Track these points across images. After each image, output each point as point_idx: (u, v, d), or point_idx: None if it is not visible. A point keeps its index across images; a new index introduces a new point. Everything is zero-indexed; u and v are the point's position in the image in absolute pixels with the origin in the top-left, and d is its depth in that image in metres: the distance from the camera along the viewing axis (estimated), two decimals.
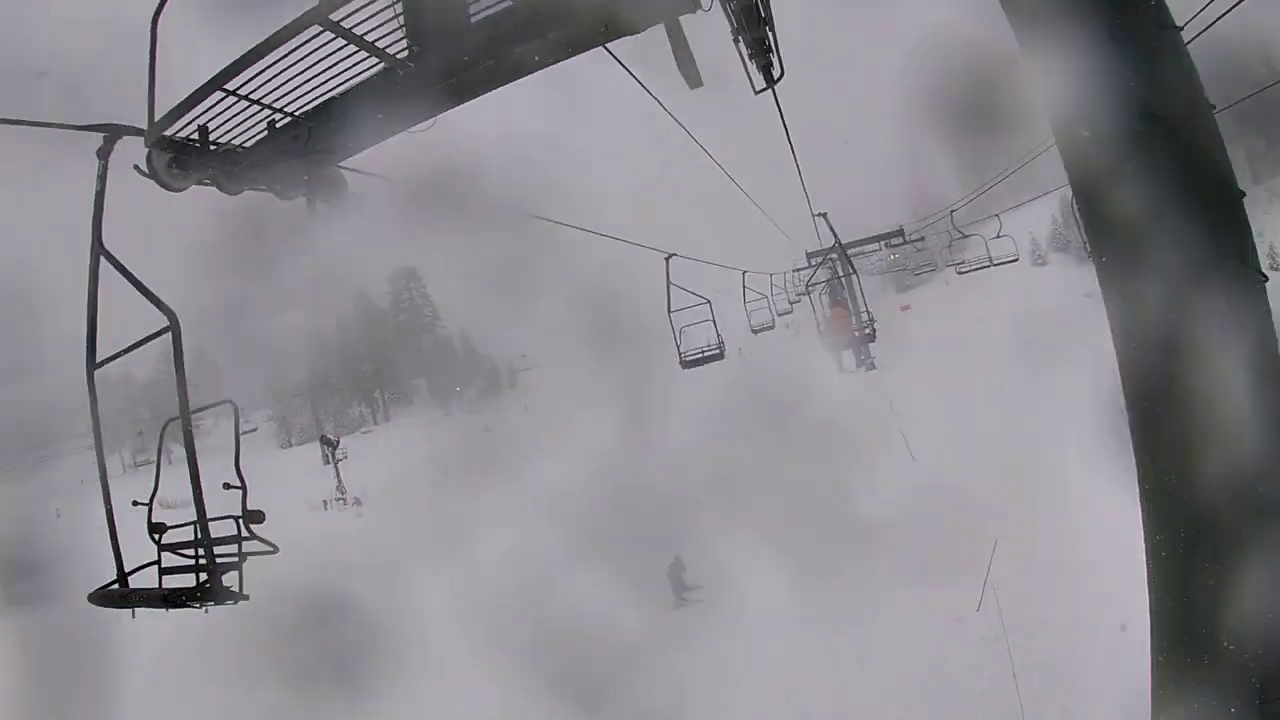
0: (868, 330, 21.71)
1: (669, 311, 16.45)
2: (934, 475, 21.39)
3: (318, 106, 4.59)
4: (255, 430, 63.65)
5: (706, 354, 17.78)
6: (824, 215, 21.26)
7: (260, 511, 4.24)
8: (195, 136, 4.73)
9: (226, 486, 4.26)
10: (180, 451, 3.94)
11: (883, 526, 20.02)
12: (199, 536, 4.00)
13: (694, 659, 17.55)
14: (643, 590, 20.55)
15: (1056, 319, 27.08)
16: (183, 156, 4.76)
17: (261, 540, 4.15)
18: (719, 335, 17.62)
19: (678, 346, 17.34)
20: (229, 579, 4.01)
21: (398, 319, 71.74)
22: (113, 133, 4.34)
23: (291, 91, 4.39)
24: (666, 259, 15.76)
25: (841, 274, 24.26)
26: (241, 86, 4.20)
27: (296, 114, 4.64)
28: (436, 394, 67.80)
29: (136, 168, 4.60)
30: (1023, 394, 24.10)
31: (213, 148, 4.86)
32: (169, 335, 3.94)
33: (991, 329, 30.27)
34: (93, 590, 4.18)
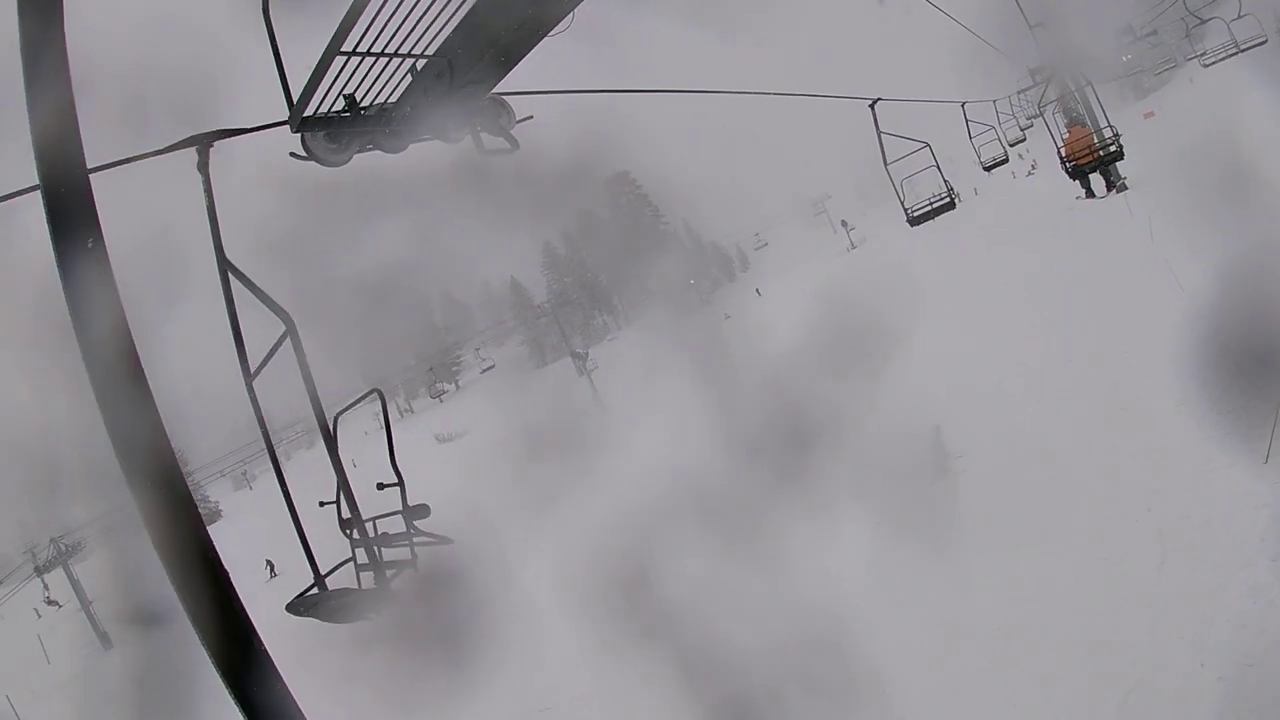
0: (1113, 148, 19.28)
1: (885, 164, 15.11)
2: (1203, 304, 19.26)
3: (449, 37, 4.36)
4: (493, 367, 67.46)
5: (935, 205, 16.12)
6: (1042, 25, 19.12)
7: (424, 506, 4.15)
8: (343, 107, 4.66)
9: (380, 487, 4.20)
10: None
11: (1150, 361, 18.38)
12: (361, 537, 3.95)
13: None
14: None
15: None
16: (336, 131, 4.70)
17: (430, 535, 4.05)
18: (946, 181, 16.06)
19: (901, 202, 15.91)
20: (406, 576, 3.95)
21: (620, 225, 72.80)
22: (203, 142, 4.27)
23: (415, 29, 4.17)
24: (872, 105, 14.38)
25: (1074, 88, 21.79)
26: (360, 43, 4.02)
27: (427, 53, 4.44)
28: (672, 290, 68.65)
29: (293, 154, 4.58)
30: None
31: (364, 112, 4.78)
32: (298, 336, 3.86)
33: (1257, 129, 26.49)
34: (293, 599, 4.25)
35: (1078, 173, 20.94)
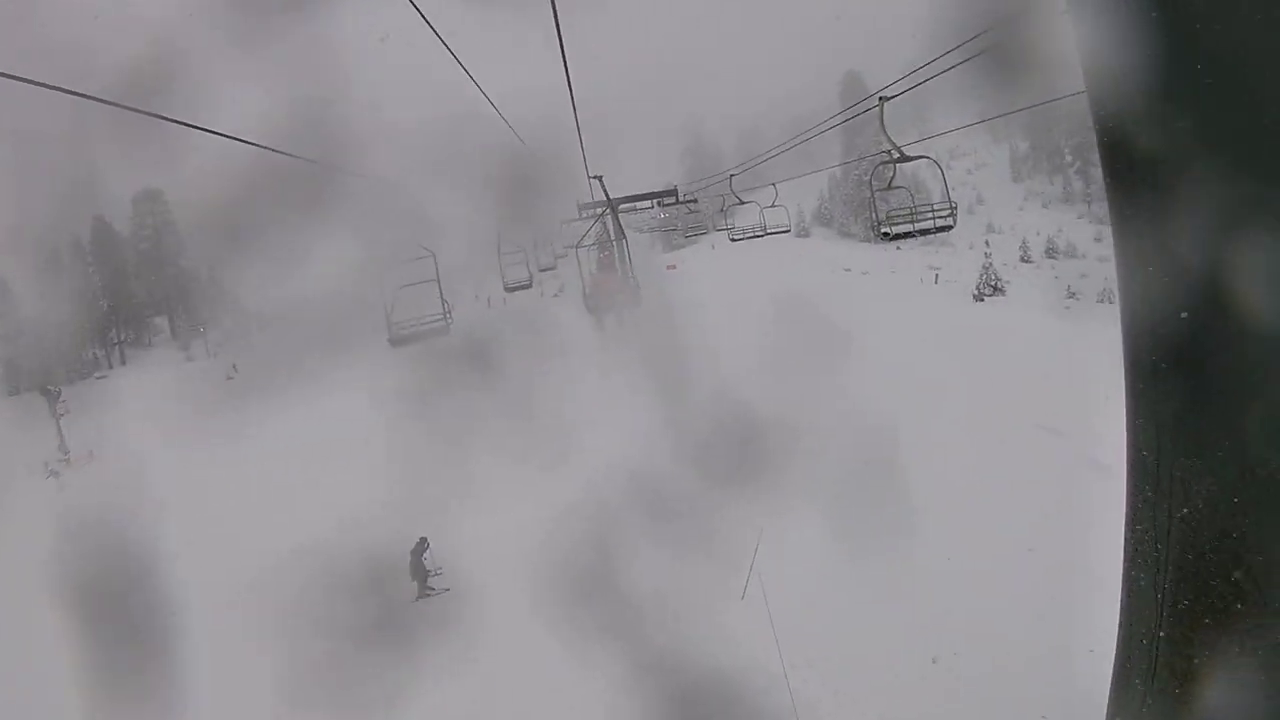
0: (635, 296, 20.67)
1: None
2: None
3: None
4: None
5: (427, 326, 13.35)
6: (599, 179, 19.92)
7: None
8: None
9: None
10: None
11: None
12: None
13: None
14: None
15: (811, 288, 27.65)
16: None
17: None
18: (444, 302, 13.35)
19: (387, 315, 12.95)
20: None
21: (138, 248, 64.78)
22: None
23: None
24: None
25: (613, 237, 23.06)
26: None
27: None
28: (180, 334, 62.25)
29: None
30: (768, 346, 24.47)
31: None
32: None
33: (753, 290, 30.96)
34: None
35: (594, 309, 22.23)
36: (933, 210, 13.15)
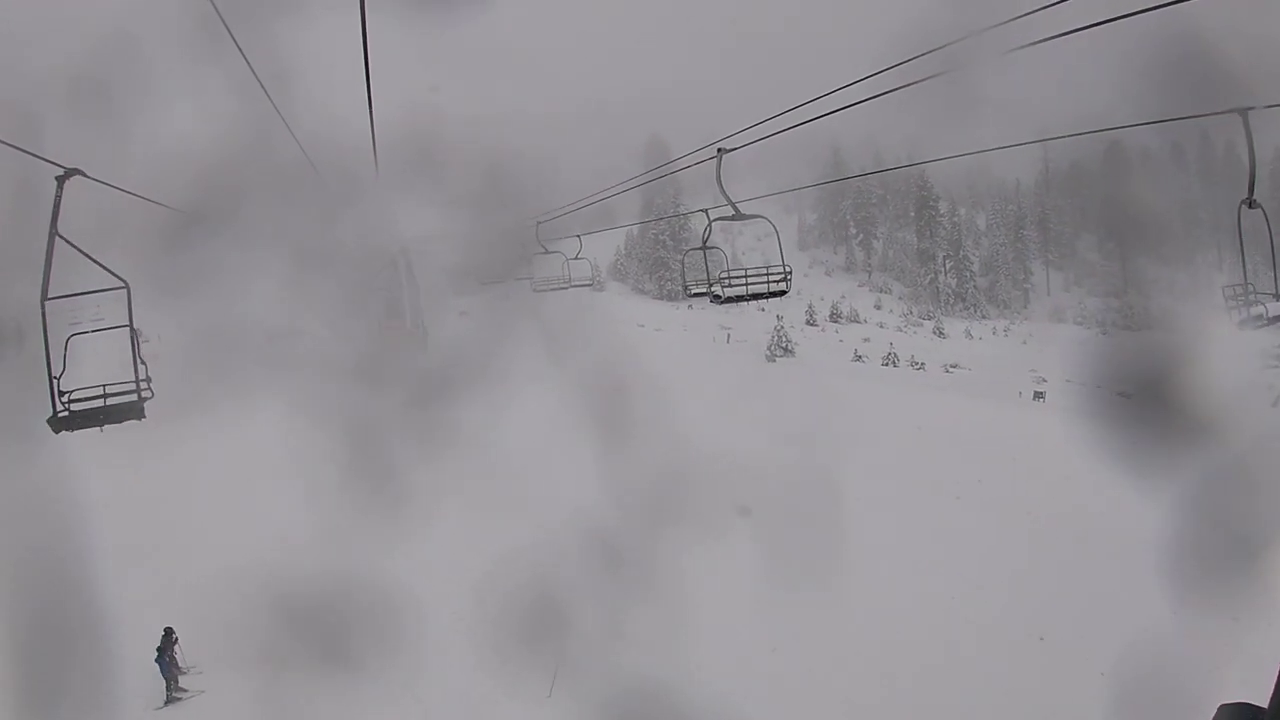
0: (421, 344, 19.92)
1: (43, 299, 7.91)
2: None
3: None
4: None
5: (112, 400, 8.30)
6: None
7: None
8: None
9: None
10: None
11: None
12: None
13: None
14: None
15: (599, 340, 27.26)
16: None
17: None
18: (139, 362, 8.33)
19: (51, 382, 8.22)
20: None
21: None
22: None
23: None
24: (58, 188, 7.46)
25: (405, 280, 21.62)
26: None
27: None
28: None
29: None
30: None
31: None
32: None
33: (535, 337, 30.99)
34: None
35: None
36: (767, 274, 12.24)
